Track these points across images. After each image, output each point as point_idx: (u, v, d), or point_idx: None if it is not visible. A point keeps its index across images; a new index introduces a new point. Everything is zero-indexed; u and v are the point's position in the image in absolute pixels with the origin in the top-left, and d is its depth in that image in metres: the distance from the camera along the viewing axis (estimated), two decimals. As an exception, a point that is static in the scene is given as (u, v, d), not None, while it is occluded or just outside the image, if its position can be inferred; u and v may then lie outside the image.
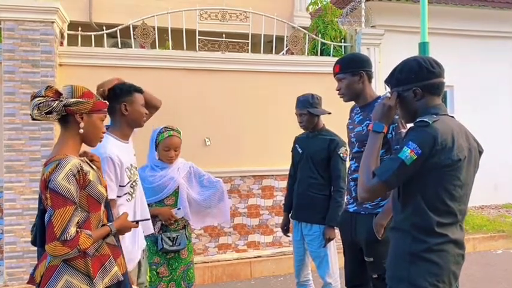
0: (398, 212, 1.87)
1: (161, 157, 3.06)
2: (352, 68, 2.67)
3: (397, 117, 2.32)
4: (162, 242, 2.97)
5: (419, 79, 1.85)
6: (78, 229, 1.73)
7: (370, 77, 2.71)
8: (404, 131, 2.42)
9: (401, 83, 1.89)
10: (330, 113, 3.30)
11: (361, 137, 2.63)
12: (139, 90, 2.47)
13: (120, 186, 2.28)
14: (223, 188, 3.26)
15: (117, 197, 2.28)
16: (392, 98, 1.90)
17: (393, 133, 2.47)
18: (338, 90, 2.74)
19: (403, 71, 1.90)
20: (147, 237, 2.96)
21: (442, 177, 1.73)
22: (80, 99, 1.83)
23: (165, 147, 3.02)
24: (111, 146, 2.28)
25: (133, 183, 2.41)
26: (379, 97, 2.70)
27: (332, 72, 2.78)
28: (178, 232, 3.03)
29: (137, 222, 2.17)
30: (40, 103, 1.75)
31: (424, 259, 1.75)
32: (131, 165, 2.40)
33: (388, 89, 1.96)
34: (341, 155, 3.19)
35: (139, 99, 2.44)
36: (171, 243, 2.99)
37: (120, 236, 2.16)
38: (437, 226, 1.74)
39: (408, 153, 1.70)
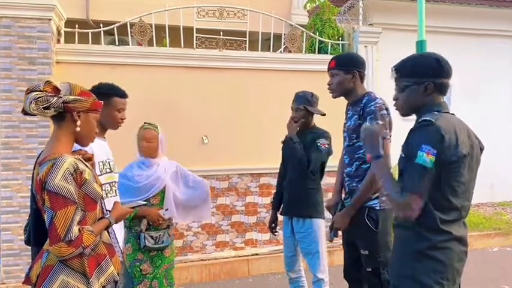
0: None
1: (138, 150, 3.12)
2: (347, 66, 2.77)
3: (373, 108, 2.56)
4: (144, 239, 2.99)
5: (434, 75, 1.86)
6: (80, 227, 1.71)
7: (362, 78, 2.81)
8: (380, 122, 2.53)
9: (416, 75, 1.89)
10: (324, 114, 3.33)
11: (348, 131, 2.79)
12: (118, 95, 2.42)
13: None
14: (207, 188, 3.33)
15: None
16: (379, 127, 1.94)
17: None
18: (329, 85, 2.84)
19: (420, 63, 1.91)
20: (130, 234, 3.02)
21: (447, 174, 1.75)
22: (79, 97, 1.80)
23: (138, 138, 3.10)
24: None
25: (112, 183, 2.41)
26: (367, 93, 2.76)
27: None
28: (160, 231, 3.06)
29: (134, 207, 2.16)
30: (38, 97, 1.70)
31: (429, 257, 1.77)
32: (106, 160, 2.38)
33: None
34: (318, 144, 3.22)
35: (115, 104, 2.40)
36: (153, 241, 3.02)
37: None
38: (441, 223, 1.76)
39: (425, 156, 1.70)
